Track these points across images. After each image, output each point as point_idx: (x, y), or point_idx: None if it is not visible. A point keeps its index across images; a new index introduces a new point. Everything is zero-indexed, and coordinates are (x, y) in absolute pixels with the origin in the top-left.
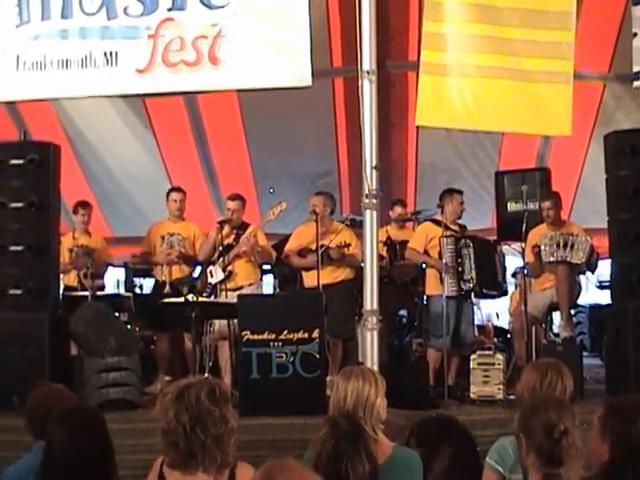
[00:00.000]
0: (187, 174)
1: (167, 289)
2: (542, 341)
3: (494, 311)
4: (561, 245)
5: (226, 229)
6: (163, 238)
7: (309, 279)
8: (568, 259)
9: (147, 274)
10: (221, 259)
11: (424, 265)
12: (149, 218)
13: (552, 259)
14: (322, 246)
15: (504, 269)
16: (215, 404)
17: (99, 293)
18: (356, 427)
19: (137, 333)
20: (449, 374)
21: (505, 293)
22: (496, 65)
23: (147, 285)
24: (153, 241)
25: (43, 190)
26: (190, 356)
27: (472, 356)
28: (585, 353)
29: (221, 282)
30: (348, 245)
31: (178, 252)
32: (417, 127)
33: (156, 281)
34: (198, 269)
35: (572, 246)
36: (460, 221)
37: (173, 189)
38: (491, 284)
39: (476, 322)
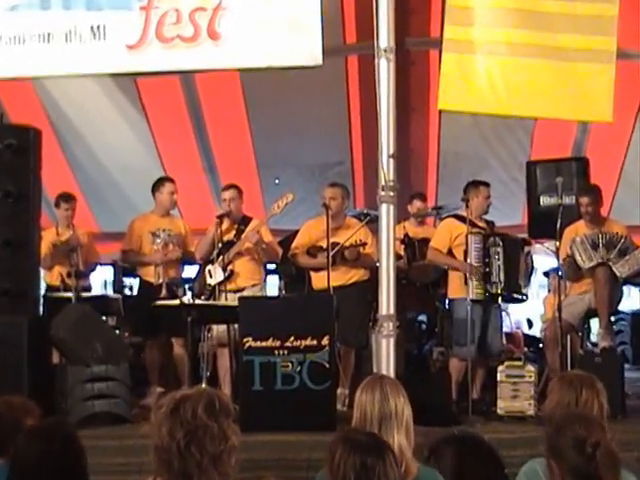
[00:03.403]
0: (183, 163)
1: (164, 292)
2: (578, 351)
3: (525, 317)
4: (600, 245)
5: (226, 224)
6: (154, 234)
7: (318, 280)
8: (609, 262)
9: (137, 274)
10: (221, 257)
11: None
12: (140, 211)
13: (592, 263)
14: (335, 244)
15: (530, 270)
16: (214, 419)
17: (84, 294)
18: (377, 439)
19: (126, 339)
20: (474, 387)
21: (526, 299)
22: (528, 42)
23: (138, 286)
24: (140, 238)
25: (22, 179)
26: (180, 364)
27: (500, 367)
28: (627, 365)
29: (221, 283)
30: (364, 244)
31: (180, 251)
32: (439, 111)
33: (142, 282)
34: (191, 268)
35: (622, 253)
36: (487, 217)
37: (168, 179)
38: (520, 287)
39: (504, 329)
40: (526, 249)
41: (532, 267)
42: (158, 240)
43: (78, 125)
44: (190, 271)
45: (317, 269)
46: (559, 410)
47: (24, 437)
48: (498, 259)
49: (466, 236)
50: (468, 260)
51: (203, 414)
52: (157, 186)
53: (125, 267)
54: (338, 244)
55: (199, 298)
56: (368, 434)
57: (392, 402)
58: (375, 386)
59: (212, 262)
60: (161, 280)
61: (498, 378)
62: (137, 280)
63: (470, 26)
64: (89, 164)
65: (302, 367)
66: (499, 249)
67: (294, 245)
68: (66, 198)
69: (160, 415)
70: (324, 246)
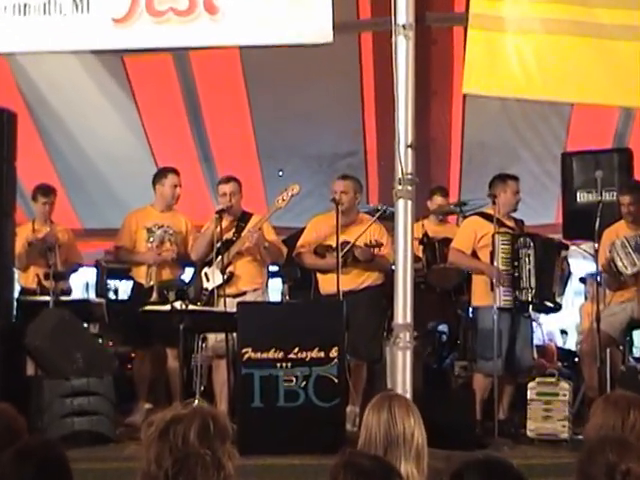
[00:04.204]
0: (176, 152)
1: (155, 296)
2: (619, 367)
3: (558, 328)
4: None
5: (225, 221)
6: (149, 231)
7: (327, 284)
8: None
9: (124, 275)
10: (219, 258)
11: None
12: (127, 206)
13: (635, 269)
14: (345, 243)
15: (566, 276)
16: (207, 444)
17: (63, 298)
18: (383, 463)
19: (111, 349)
20: (500, 406)
21: (559, 308)
22: (564, 18)
23: (124, 289)
24: (135, 234)
25: None
26: (174, 378)
27: (530, 384)
28: None
29: (219, 287)
30: (379, 245)
31: (176, 252)
32: (464, 96)
33: (135, 284)
34: (188, 271)
35: None
36: (516, 215)
37: (171, 170)
38: (553, 295)
39: (535, 341)
40: (563, 253)
41: (569, 273)
42: (152, 237)
43: (58, 108)
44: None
45: (325, 271)
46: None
47: (6, 462)
48: (528, 262)
49: (492, 236)
50: (495, 263)
51: (195, 440)
52: (158, 177)
53: (110, 268)
54: (349, 243)
55: (195, 304)
56: (373, 458)
57: (400, 425)
58: (382, 406)
59: (209, 264)
60: (152, 282)
61: (528, 396)
62: (123, 283)
63: (499, 0)
64: (70, 153)
65: (308, 382)
66: (530, 251)
67: (300, 243)
68: (44, 191)
69: (149, 435)
70: (333, 245)
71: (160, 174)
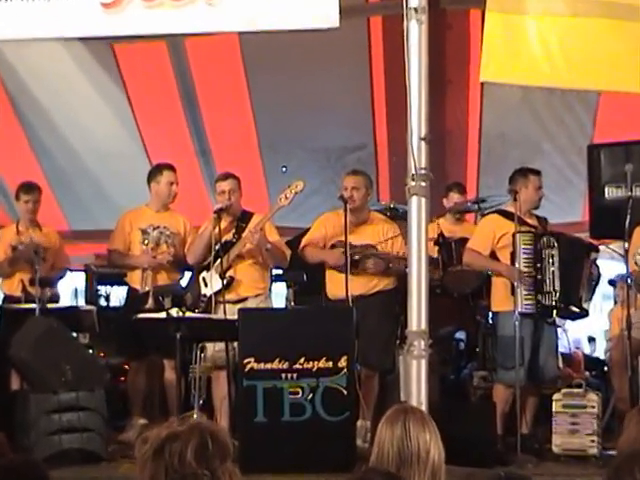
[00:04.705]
0: (171, 146)
1: (150, 303)
2: None
3: (586, 334)
4: None
5: (224, 221)
6: (144, 232)
7: (335, 288)
8: None
9: (117, 281)
10: (218, 262)
11: (490, 272)
12: (119, 206)
13: None
14: (369, 247)
15: (595, 280)
16: (206, 464)
17: (51, 306)
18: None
19: (102, 360)
20: (523, 419)
21: (586, 315)
22: None
23: (116, 295)
24: (129, 236)
25: None
26: (171, 392)
27: (555, 395)
28: None
29: (218, 292)
30: (402, 258)
31: (172, 254)
32: (482, 84)
33: (129, 290)
34: (187, 275)
35: None
36: (538, 212)
37: (167, 166)
38: (580, 300)
39: (561, 349)
40: (593, 256)
41: (598, 276)
42: (148, 239)
43: (43, 101)
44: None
45: (331, 268)
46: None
47: None
48: (552, 264)
49: (513, 236)
50: (516, 265)
51: (193, 459)
52: (153, 175)
53: (100, 273)
54: (360, 246)
55: (193, 311)
56: (387, 475)
57: (414, 441)
58: (396, 420)
59: (207, 268)
60: (147, 287)
61: (553, 409)
62: (114, 289)
63: None
64: (57, 148)
65: (315, 394)
66: (553, 251)
67: (305, 240)
68: (27, 189)
69: (144, 454)
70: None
71: (155, 171)
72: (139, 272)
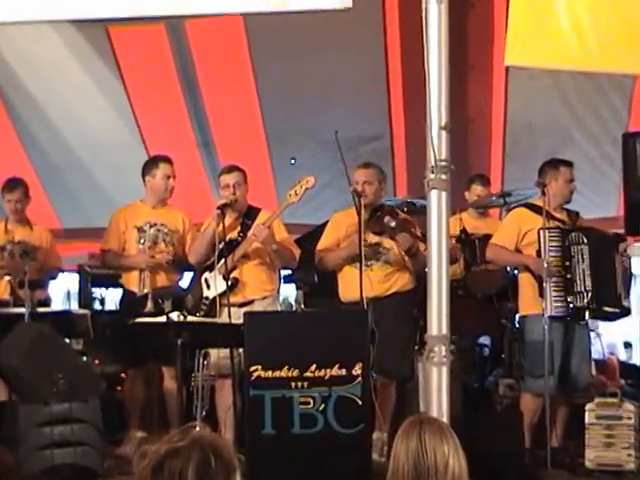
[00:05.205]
0: (170, 136)
1: (149, 306)
2: None
3: (621, 339)
4: None
5: (228, 217)
6: (140, 230)
7: (348, 289)
8: None
9: (112, 282)
10: (222, 262)
11: (516, 270)
12: (115, 202)
13: None
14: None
15: (629, 276)
16: None
17: (41, 310)
18: None
19: (97, 368)
20: (554, 431)
21: (627, 313)
22: None
23: (112, 298)
24: (124, 234)
25: None
26: (171, 402)
27: (588, 406)
28: None
29: (222, 295)
30: (421, 238)
31: (172, 253)
32: (507, 68)
33: (125, 293)
34: (187, 276)
35: None
36: (569, 206)
37: (163, 159)
38: (614, 299)
39: (594, 355)
40: (621, 246)
41: (630, 272)
42: (144, 237)
43: (33, 89)
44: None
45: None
46: None
47: None
48: (582, 261)
49: (538, 231)
50: (544, 263)
51: (194, 476)
52: (149, 168)
53: (95, 274)
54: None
55: (194, 315)
56: None
57: (431, 454)
58: (412, 432)
59: (210, 268)
60: (146, 290)
61: (586, 420)
62: (110, 291)
63: None
64: (47, 140)
65: (327, 404)
66: (583, 247)
67: (320, 246)
68: (10, 187)
69: (141, 471)
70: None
71: (150, 164)
72: (136, 273)
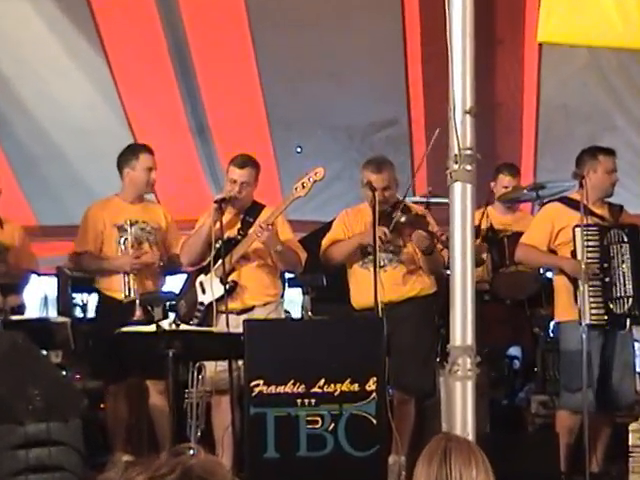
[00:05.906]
0: (160, 121)
1: (138, 314)
2: None
3: None
4: None
5: (226, 214)
6: (121, 229)
7: (360, 294)
8: None
9: (95, 287)
10: (219, 263)
11: (550, 272)
12: (98, 196)
13: None
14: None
15: None
16: None
17: (15, 317)
18: None
19: (78, 384)
20: (593, 454)
21: None
22: None
23: (94, 304)
24: (101, 234)
25: None
26: (159, 419)
27: (632, 425)
28: None
29: (220, 300)
30: (440, 239)
31: (158, 254)
32: (539, 45)
33: (103, 299)
34: (175, 279)
35: None
36: (611, 200)
37: (143, 148)
38: None
39: (638, 369)
40: None
41: None
42: (125, 237)
43: (5, 69)
44: (173, 283)
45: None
46: None
47: None
48: (623, 262)
49: (573, 229)
50: (582, 266)
51: None
52: (127, 158)
53: (75, 277)
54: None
55: (188, 323)
56: None
57: (456, 477)
58: (435, 453)
59: (206, 270)
60: (133, 295)
61: (630, 442)
62: (93, 296)
63: None
64: (21, 125)
65: (337, 424)
66: (624, 246)
67: (325, 240)
68: None
69: None
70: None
71: (129, 154)
72: (118, 277)
